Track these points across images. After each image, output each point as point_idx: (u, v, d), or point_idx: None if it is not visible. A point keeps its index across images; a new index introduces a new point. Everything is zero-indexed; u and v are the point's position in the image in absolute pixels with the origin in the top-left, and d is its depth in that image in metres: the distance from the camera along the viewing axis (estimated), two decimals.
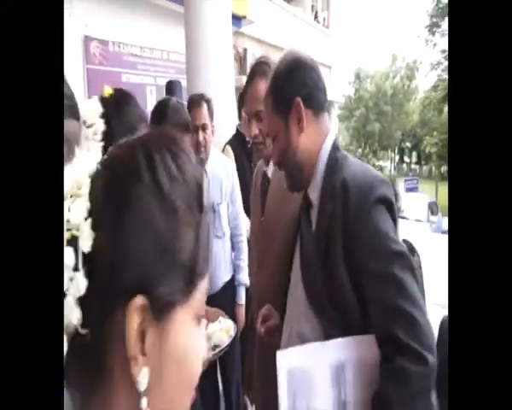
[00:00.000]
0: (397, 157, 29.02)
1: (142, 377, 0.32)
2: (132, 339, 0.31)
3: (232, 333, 1.24)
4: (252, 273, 1.53)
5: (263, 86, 1.28)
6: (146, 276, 0.32)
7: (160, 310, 0.33)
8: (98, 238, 0.31)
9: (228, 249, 2.00)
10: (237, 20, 5.64)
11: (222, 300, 1.75)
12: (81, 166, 0.34)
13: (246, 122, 1.99)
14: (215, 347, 1.18)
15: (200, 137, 1.88)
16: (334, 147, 0.96)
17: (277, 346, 0.98)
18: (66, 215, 0.31)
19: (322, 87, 0.98)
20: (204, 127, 1.89)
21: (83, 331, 0.31)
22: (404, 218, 8.10)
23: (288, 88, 0.95)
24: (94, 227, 0.31)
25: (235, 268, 2.02)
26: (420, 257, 4.69)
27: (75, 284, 0.30)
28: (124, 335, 0.32)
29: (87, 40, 3.95)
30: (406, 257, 0.83)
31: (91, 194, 0.32)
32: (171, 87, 2.92)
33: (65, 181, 0.32)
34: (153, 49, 4.72)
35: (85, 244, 0.31)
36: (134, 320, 0.31)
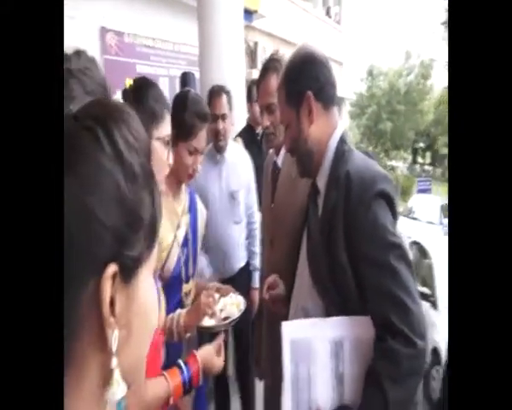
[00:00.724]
0: (410, 157, 28.66)
1: (114, 339, 0.34)
2: (106, 304, 0.33)
3: (242, 307, 1.33)
4: (262, 256, 1.62)
5: (274, 81, 1.38)
6: (116, 244, 0.33)
7: (128, 273, 0.35)
8: (69, 215, 0.31)
9: (243, 236, 2.08)
10: (249, 14, 5.67)
11: (238, 283, 1.78)
12: None
13: (254, 115, 2.05)
14: (226, 318, 1.28)
15: (220, 126, 1.95)
16: (342, 140, 1.01)
17: (283, 318, 1.04)
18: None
19: (333, 82, 1.03)
20: (223, 117, 1.96)
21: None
22: (415, 219, 8.00)
23: (300, 82, 1.01)
24: (65, 203, 0.31)
25: (250, 254, 2.11)
26: (432, 259, 4.65)
27: None
28: (96, 303, 0.33)
29: (103, 31, 4.04)
30: (402, 249, 0.89)
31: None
32: (186, 79, 3.01)
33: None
34: (165, 40, 4.80)
35: None
36: (107, 287, 0.33)
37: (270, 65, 1.42)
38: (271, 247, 1.43)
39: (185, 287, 1.33)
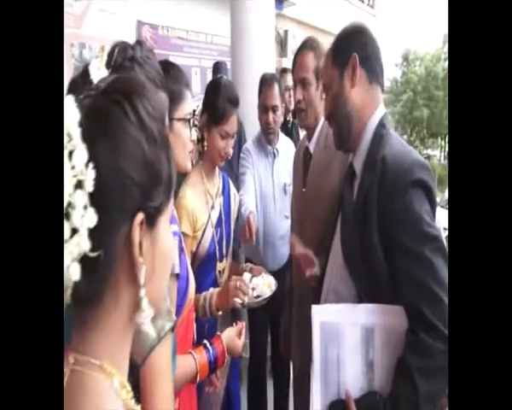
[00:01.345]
0: (447, 146, 27.36)
1: (142, 274, 0.41)
2: (136, 247, 0.40)
3: (273, 287, 1.38)
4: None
5: (310, 58, 1.40)
6: (142, 197, 0.40)
7: (151, 221, 0.42)
8: (105, 174, 0.38)
9: None
10: (279, 2, 5.65)
11: (282, 277, 1.76)
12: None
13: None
14: (258, 296, 1.34)
15: (270, 118, 1.89)
16: (381, 123, 1.00)
17: (313, 300, 1.05)
18: (70, 163, 0.36)
19: (380, 60, 1.04)
20: (274, 108, 1.89)
21: (93, 255, 0.37)
22: None
23: (348, 45, 1.03)
24: (96, 167, 0.37)
25: None
26: None
27: (87, 218, 0.37)
28: (127, 245, 0.40)
29: (140, 25, 4.20)
30: (439, 241, 0.86)
31: (87, 136, 0.38)
32: (218, 68, 3.08)
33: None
34: (198, 32, 4.90)
35: (89, 185, 0.37)
36: (137, 233, 0.40)
37: (308, 44, 1.44)
38: (300, 231, 1.46)
39: (219, 265, 1.40)
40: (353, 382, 0.91)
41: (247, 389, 2.07)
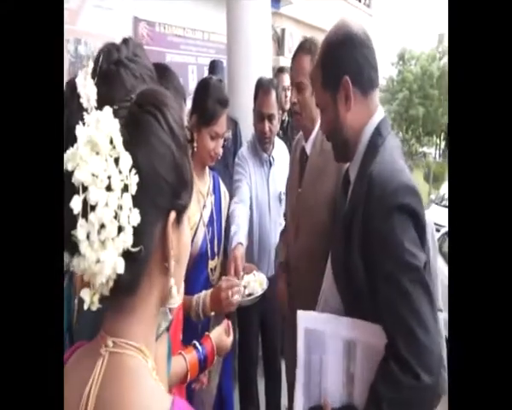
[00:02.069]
0: (443, 143, 27.58)
1: (172, 265, 0.46)
2: (170, 241, 0.46)
3: (265, 286, 1.37)
4: (289, 245, 1.57)
5: (306, 62, 1.38)
6: (173, 195, 0.45)
7: (179, 218, 0.47)
8: (143, 175, 0.42)
9: None
10: (276, 0, 5.65)
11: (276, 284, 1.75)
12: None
13: (280, 101, 1.99)
14: (249, 295, 1.33)
15: (266, 128, 1.82)
16: (378, 130, 0.93)
17: (307, 307, 1.01)
18: (118, 168, 0.40)
19: (374, 64, 0.95)
20: (270, 117, 1.82)
21: (135, 249, 0.42)
22: (447, 207, 7.83)
23: (337, 65, 0.93)
24: (137, 172, 0.42)
25: None
26: None
27: (132, 218, 0.41)
28: (160, 241, 0.45)
29: (136, 21, 4.18)
30: (419, 272, 0.81)
31: (128, 143, 0.42)
32: (214, 66, 3.08)
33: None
34: (195, 29, 4.89)
35: (133, 188, 0.41)
36: (171, 229, 0.45)
37: (305, 45, 1.42)
38: (296, 234, 1.44)
39: (211, 263, 1.41)
40: (334, 391, 0.90)
41: (238, 388, 2.07)
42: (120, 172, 0.40)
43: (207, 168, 1.48)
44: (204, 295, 1.25)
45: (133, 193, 0.41)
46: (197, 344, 1.06)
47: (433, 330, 0.79)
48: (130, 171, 0.41)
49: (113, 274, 0.41)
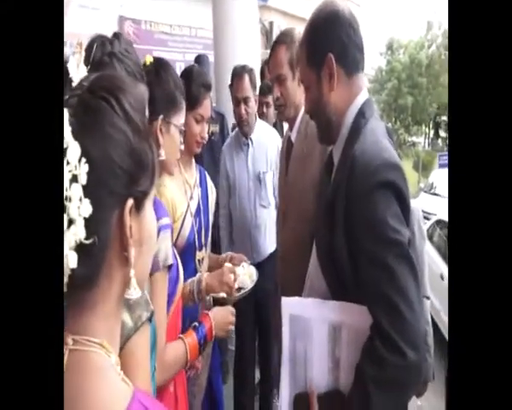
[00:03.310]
0: (431, 132, 27.76)
1: (132, 255, 0.45)
2: (128, 229, 0.44)
3: (254, 278, 1.36)
4: (277, 231, 1.61)
5: (283, 52, 1.41)
6: (130, 182, 0.44)
7: (138, 205, 0.46)
8: (98, 163, 0.41)
9: (273, 220, 1.91)
10: None
11: (266, 270, 1.74)
12: None
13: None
14: (239, 289, 1.31)
15: (242, 111, 1.89)
16: (361, 111, 0.93)
17: (296, 295, 1.01)
18: (66, 158, 0.39)
19: (359, 44, 0.94)
20: (246, 100, 1.88)
21: (88, 241, 0.41)
22: (436, 195, 7.87)
23: (321, 42, 0.93)
24: (89, 159, 0.40)
25: None
26: None
27: (83, 209, 0.40)
28: (118, 230, 0.44)
29: (122, 20, 4.16)
30: (403, 247, 0.80)
31: (77, 132, 0.40)
32: (200, 61, 3.08)
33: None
34: (181, 26, 4.87)
35: (83, 178, 0.40)
36: (128, 217, 0.44)
37: (279, 38, 1.45)
38: (284, 220, 1.47)
39: (198, 254, 1.42)
40: (320, 377, 0.90)
41: (233, 381, 2.08)
42: (68, 162, 0.39)
43: (194, 162, 1.49)
44: (200, 275, 1.27)
45: (83, 183, 0.40)
46: (196, 324, 1.07)
47: (418, 308, 0.80)
48: (79, 161, 0.40)
49: (66, 269, 0.40)
